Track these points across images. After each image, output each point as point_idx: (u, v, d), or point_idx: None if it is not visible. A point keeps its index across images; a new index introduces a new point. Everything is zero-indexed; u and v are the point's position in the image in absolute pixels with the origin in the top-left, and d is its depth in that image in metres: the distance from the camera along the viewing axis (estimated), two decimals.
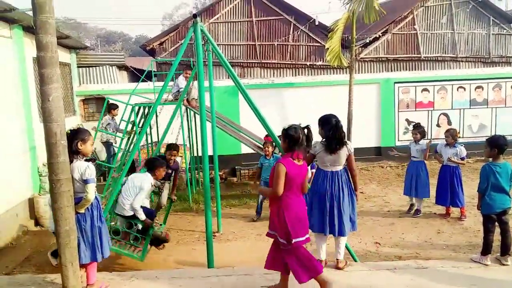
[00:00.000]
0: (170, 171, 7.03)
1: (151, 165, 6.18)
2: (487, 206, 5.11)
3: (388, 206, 8.73)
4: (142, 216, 5.75)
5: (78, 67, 12.89)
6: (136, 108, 8.92)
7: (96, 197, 4.40)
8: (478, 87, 13.27)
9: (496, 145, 5.11)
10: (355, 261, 5.48)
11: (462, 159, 7.69)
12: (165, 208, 7.38)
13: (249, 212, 8.71)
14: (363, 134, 12.49)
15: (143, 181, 5.85)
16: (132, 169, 9.51)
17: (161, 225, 6.58)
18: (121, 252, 5.78)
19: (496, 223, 5.18)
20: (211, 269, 5.26)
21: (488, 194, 5.08)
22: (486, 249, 5.13)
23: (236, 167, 12.09)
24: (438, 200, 7.90)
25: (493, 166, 5.11)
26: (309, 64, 15.68)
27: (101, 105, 11.46)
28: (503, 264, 5.08)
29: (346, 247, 5.32)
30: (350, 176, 4.98)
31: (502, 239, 5.14)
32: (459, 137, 8.01)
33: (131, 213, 5.80)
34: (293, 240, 4.05)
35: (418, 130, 8.07)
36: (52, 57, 3.88)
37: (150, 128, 9.23)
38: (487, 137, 5.40)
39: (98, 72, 13.44)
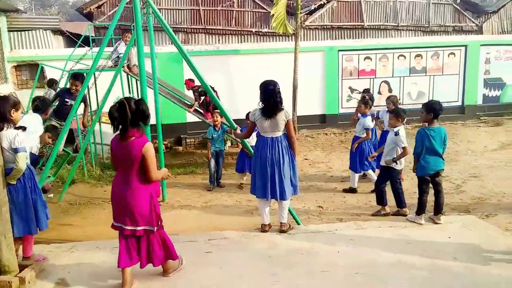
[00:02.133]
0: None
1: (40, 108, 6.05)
2: (422, 168, 5.36)
3: (331, 172, 8.96)
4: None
5: (8, 31, 12.00)
6: None
7: (29, 167, 4.18)
8: (417, 55, 13.72)
9: (431, 109, 5.31)
10: (298, 224, 5.61)
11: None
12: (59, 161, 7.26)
13: (195, 180, 8.67)
14: (308, 102, 12.64)
15: (32, 122, 5.22)
16: (71, 139, 9.15)
17: (49, 177, 6.38)
18: None
19: (430, 185, 5.46)
20: None
21: (423, 157, 5.32)
22: (420, 209, 5.41)
23: (181, 136, 11.92)
24: (378, 164, 8.14)
25: (428, 130, 5.34)
26: (255, 31, 15.50)
27: (35, 71, 10.78)
28: (436, 223, 5.39)
29: (290, 211, 5.43)
30: (289, 141, 5.04)
31: (435, 199, 5.44)
32: (399, 104, 8.26)
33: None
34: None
35: (390, 98, 7.92)
36: None
37: (89, 96, 8.82)
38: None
39: (31, 37, 12.61)
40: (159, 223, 3.90)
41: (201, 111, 9.33)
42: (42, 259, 4.38)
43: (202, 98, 9.15)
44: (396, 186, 6.17)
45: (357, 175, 7.55)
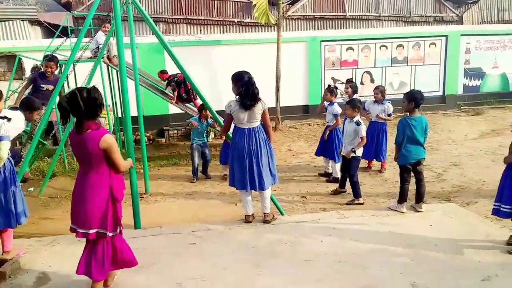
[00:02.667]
0: (51, 87, 6.56)
1: None
2: (403, 157, 5.41)
3: (314, 162, 8.99)
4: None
5: None
6: None
7: (9, 159, 4.11)
8: (399, 45, 13.81)
9: (412, 99, 5.34)
10: (282, 214, 5.62)
11: (389, 115, 7.95)
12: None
13: (178, 172, 8.62)
14: (291, 93, 12.65)
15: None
16: (50, 131, 8.98)
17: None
18: None
19: (412, 174, 5.52)
20: (138, 229, 5.15)
21: (404, 146, 5.36)
22: (402, 198, 5.47)
23: (164, 128, 11.82)
24: (362, 155, 8.12)
25: (409, 119, 5.37)
26: (237, 21, 15.42)
27: (12, 63, 10.54)
28: (418, 211, 5.45)
29: (273, 202, 5.44)
30: (265, 130, 5.01)
31: (416, 188, 5.50)
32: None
33: None
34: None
35: (379, 88, 7.98)
36: None
37: (69, 87, 8.67)
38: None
39: (8, 28, 12.33)
40: (118, 228, 3.52)
41: (185, 97, 9.26)
42: (23, 253, 4.31)
43: (182, 87, 9.10)
44: (353, 176, 6.43)
45: (338, 164, 7.53)
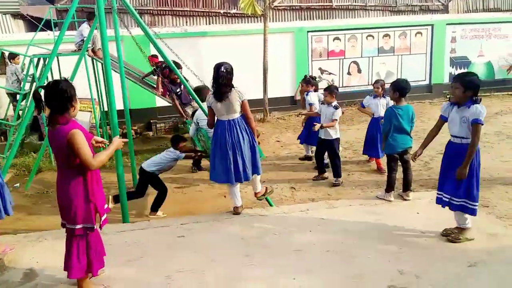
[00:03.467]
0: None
1: None
2: (390, 146, 5.44)
3: (303, 153, 8.99)
4: None
5: None
6: (35, 60, 8.18)
7: None
8: (385, 35, 13.83)
9: (399, 88, 5.37)
10: (271, 205, 5.63)
11: None
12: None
13: None
14: (278, 84, 12.62)
15: None
16: (35, 127, 8.88)
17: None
18: None
19: (399, 162, 5.55)
20: (126, 223, 5.13)
21: (391, 135, 5.39)
22: (389, 187, 5.50)
23: (151, 121, 11.74)
24: (368, 152, 7.67)
25: (396, 108, 5.40)
26: (223, 12, 15.30)
27: None
28: (405, 200, 5.50)
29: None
30: (246, 122, 4.98)
31: (404, 177, 5.54)
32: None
33: None
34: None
35: (379, 82, 7.38)
36: None
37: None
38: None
39: None
40: (95, 225, 3.43)
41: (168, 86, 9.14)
42: (9, 249, 4.26)
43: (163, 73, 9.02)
44: (336, 156, 6.88)
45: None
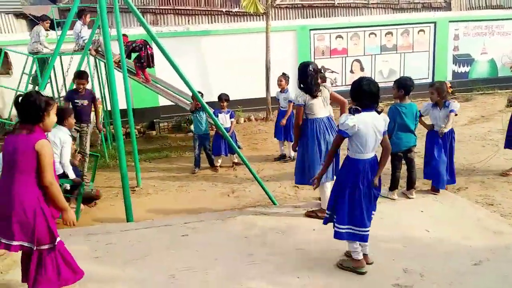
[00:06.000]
0: (85, 101, 7.08)
1: (58, 118, 5.76)
2: (394, 145, 5.38)
3: None
4: (71, 173, 5.53)
5: None
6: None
7: None
8: (388, 33, 13.79)
9: (402, 85, 5.34)
10: (275, 204, 5.62)
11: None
12: (91, 166, 7.23)
13: (170, 165, 8.57)
14: None
15: (56, 135, 5.44)
16: None
17: (87, 183, 6.31)
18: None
19: (403, 161, 5.53)
20: (130, 223, 5.14)
21: (395, 133, 5.36)
22: (393, 185, 5.49)
23: (154, 120, 11.75)
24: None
25: (399, 106, 5.38)
26: (225, 11, 15.28)
27: None
28: (409, 198, 5.49)
29: (266, 192, 5.44)
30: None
31: (408, 175, 5.52)
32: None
33: (59, 172, 5.40)
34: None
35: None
36: None
37: (56, 81, 8.57)
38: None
39: None
40: (52, 241, 3.25)
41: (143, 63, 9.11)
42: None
43: (137, 54, 8.94)
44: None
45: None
